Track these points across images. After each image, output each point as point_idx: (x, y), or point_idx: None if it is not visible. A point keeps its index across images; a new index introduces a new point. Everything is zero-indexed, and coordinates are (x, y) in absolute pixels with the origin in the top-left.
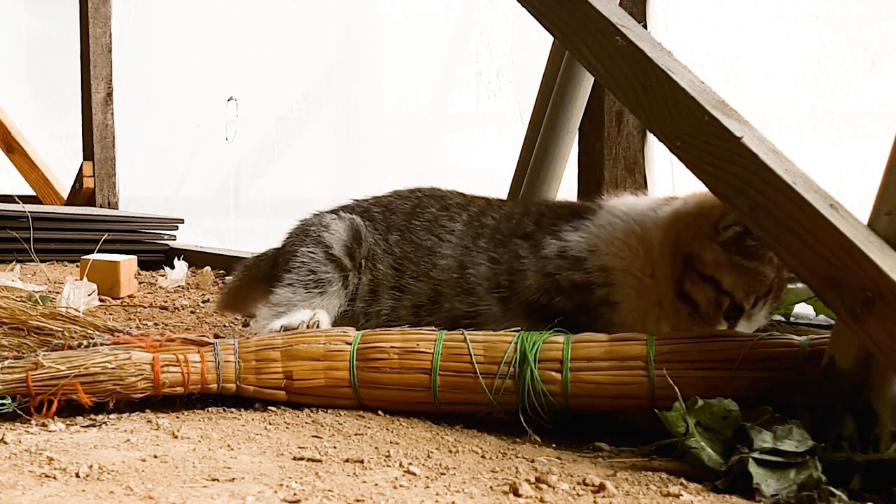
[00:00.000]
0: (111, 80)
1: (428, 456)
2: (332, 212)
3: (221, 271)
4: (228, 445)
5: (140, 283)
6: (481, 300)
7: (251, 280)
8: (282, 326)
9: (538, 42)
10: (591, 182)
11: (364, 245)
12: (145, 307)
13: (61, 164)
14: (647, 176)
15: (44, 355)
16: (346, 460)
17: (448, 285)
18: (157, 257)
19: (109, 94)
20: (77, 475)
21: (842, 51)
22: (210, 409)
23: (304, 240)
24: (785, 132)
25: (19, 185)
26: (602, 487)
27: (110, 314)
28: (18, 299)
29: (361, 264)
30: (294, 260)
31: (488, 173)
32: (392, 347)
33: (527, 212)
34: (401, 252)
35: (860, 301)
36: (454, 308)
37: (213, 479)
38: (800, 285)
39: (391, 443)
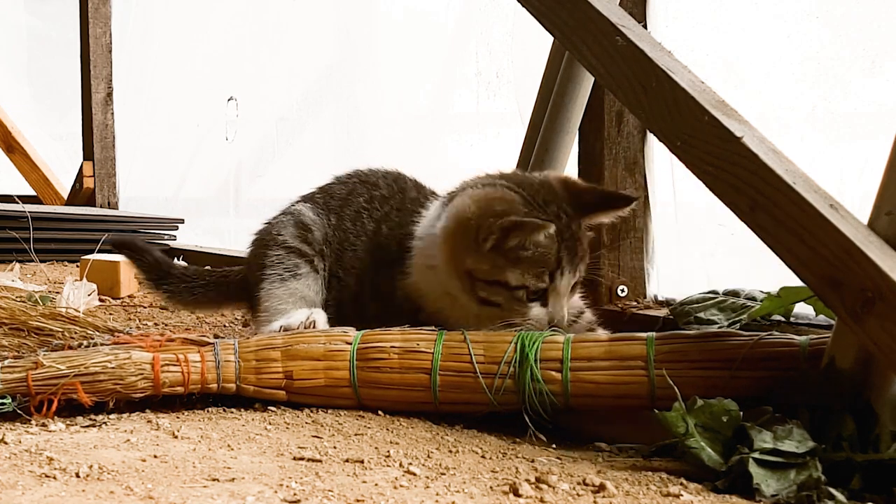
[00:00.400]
0: (111, 80)
1: (428, 456)
2: (280, 215)
3: None
4: (228, 445)
5: (140, 283)
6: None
7: (219, 298)
8: (281, 327)
9: (538, 42)
10: (591, 182)
11: (315, 229)
12: (145, 307)
13: (61, 164)
14: (647, 176)
15: (44, 355)
16: (346, 460)
17: (365, 285)
18: None
19: (109, 94)
20: (77, 475)
21: (842, 51)
22: (210, 409)
23: (265, 251)
24: (785, 132)
25: (20, 185)
26: (602, 487)
27: (110, 314)
28: (18, 299)
29: (324, 251)
30: (265, 267)
31: None
32: (392, 347)
33: (401, 233)
34: (337, 239)
35: (860, 301)
36: (372, 311)
37: (213, 479)
38: (798, 284)
39: (391, 443)
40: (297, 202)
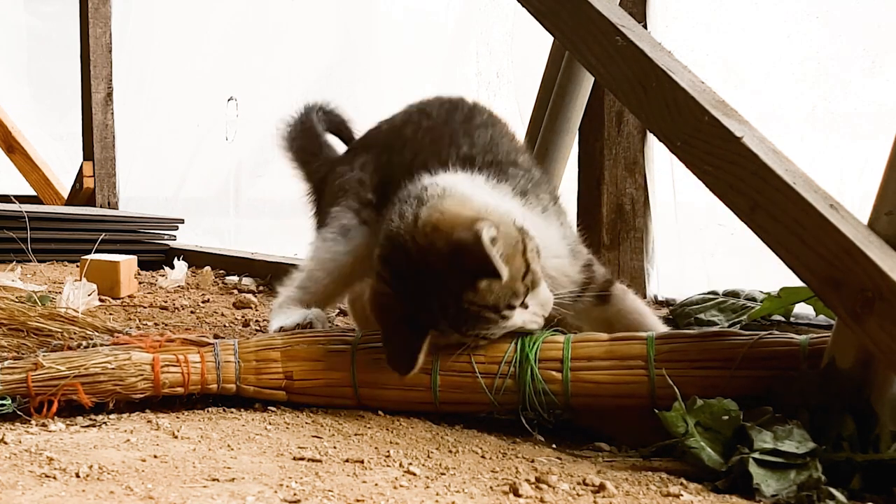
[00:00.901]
0: (111, 80)
1: (428, 456)
2: (350, 172)
3: (221, 271)
4: (228, 445)
5: (140, 283)
6: None
7: None
8: (281, 327)
9: (538, 42)
10: (591, 182)
11: (364, 190)
12: (145, 307)
13: (61, 164)
14: (647, 176)
15: (43, 356)
16: (346, 460)
17: None
18: (157, 257)
19: (109, 94)
20: (77, 475)
21: (842, 51)
22: (210, 409)
23: (333, 201)
24: (785, 132)
25: (20, 185)
26: (602, 487)
27: (110, 314)
28: (18, 300)
29: (370, 199)
30: (325, 225)
31: None
32: None
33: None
34: (387, 178)
35: (860, 301)
36: None
37: (213, 479)
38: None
39: (391, 443)
40: (360, 154)
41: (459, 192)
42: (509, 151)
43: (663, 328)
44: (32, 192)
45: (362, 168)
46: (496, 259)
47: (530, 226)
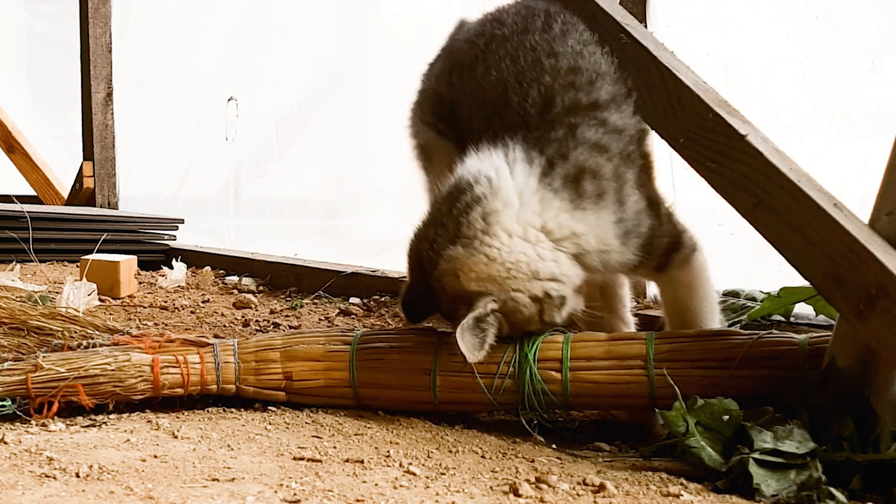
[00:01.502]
0: (111, 80)
1: (428, 456)
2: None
3: (221, 271)
4: (228, 445)
5: (140, 283)
6: None
7: None
8: None
9: None
10: None
11: (438, 116)
12: (145, 307)
13: (62, 164)
14: None
15: (43, 357)
16: (346, 460)
17: None
18: (156, 257)
19: (109, 94)
20: (77, 475)
21: (842, 51)
22: (210, 409)
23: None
24: (785, 132)
25: (20, 185)
26: (602, 487)
27: (110, 314)
28: (18, 299)
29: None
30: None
31: None
32: (391, 347)
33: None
34: (458, 98)
35: (863, 299)
36: None
37: (213, 479)
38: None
39: (391, 443)
40: (436, 62)
41: (494, 242)
42: (591, 78)
43: (709, 309)
44: (32, 192)
45: (437, 79)
46: (465, 348)
47: (574, 226)
